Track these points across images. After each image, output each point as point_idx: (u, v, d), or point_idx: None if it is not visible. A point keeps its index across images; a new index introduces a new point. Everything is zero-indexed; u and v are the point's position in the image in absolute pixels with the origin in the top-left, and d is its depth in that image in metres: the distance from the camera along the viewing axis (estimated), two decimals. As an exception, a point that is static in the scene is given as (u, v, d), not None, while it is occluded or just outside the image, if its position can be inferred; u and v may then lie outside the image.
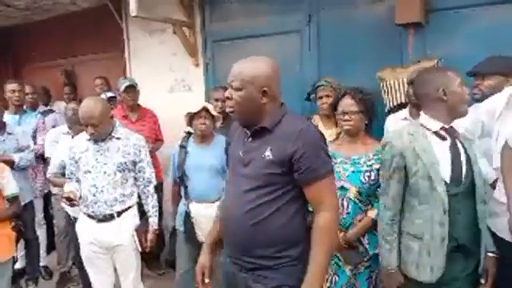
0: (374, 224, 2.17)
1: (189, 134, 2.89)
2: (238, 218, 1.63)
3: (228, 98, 1.64)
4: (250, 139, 1.67)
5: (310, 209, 1.67)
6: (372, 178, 2.17)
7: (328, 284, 2.28)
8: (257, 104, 1.60)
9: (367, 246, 2.20)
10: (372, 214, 2.18)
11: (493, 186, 2.01)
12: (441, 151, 1.82)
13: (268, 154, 1.58)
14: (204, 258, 1.82)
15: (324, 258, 1.56)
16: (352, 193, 2.19)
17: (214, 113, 2.78)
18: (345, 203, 2.20)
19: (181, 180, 2.82)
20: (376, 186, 2.16)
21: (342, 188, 2.21)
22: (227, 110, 1.69)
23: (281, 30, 3.71)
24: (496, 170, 1.95)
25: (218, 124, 2.85)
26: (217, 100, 3.20)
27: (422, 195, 1.82)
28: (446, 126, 1.87)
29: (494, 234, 1.91)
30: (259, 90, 1.59)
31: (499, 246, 1.89)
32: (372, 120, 2.30)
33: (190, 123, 2.80)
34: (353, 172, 2.20)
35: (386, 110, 2.99)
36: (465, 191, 1.83)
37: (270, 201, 1.58)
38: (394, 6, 3.06)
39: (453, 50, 2.99)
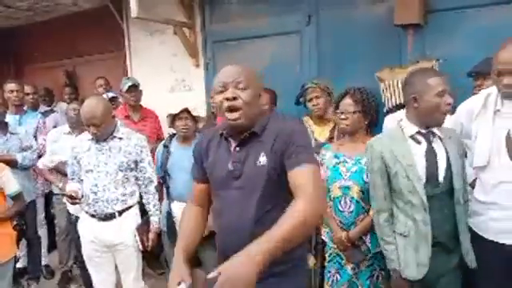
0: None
1: (172, 134, 2.93)
2: (247, 233, 1.46)
3: (235, 97, 1.47)
4: (238, 148, 1.55)
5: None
6: None
7: (330, 283, 2.30)
8: (258, 105, 1.55)
9: (369, 245, 2.22)
10: (374, 213, 2.20)
11: (472, 185, 2.03)
12: (417, 155, 1.87)
13: (262, 160, 1.49)
14: (179, 270, 1.44)
15: (290, 232, 1.21)
16: (355, 192, 2.21)
17: (196, 114, 2.81)
18: (347, 202, 2.22)
19: (163, 180, 2.85)
20: None
21: (345, 187, 2.23)
22: (232, 115, 1.50)
23: (280, 31, 3.73)
24: (475, 169, 1.96)
25: (201, 125, 2.88)
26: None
27: (404, 195, 1.88)
28: (423, 131, 1.90)
29: (473, 233, 1.93)
30: (258, 92, 1.55)
31: (479, 244, 1.91)
32: (373, 120, 2.32)
33: (172, 124, 2.83)
34: (355, 171, 2.22)
35: (385, 111, 3.01)
36: (444, 192, 1.87)
37: (274, 206, 1.49)
38: (393, 6, 3.09)
39: (451, 51, 3.01)
